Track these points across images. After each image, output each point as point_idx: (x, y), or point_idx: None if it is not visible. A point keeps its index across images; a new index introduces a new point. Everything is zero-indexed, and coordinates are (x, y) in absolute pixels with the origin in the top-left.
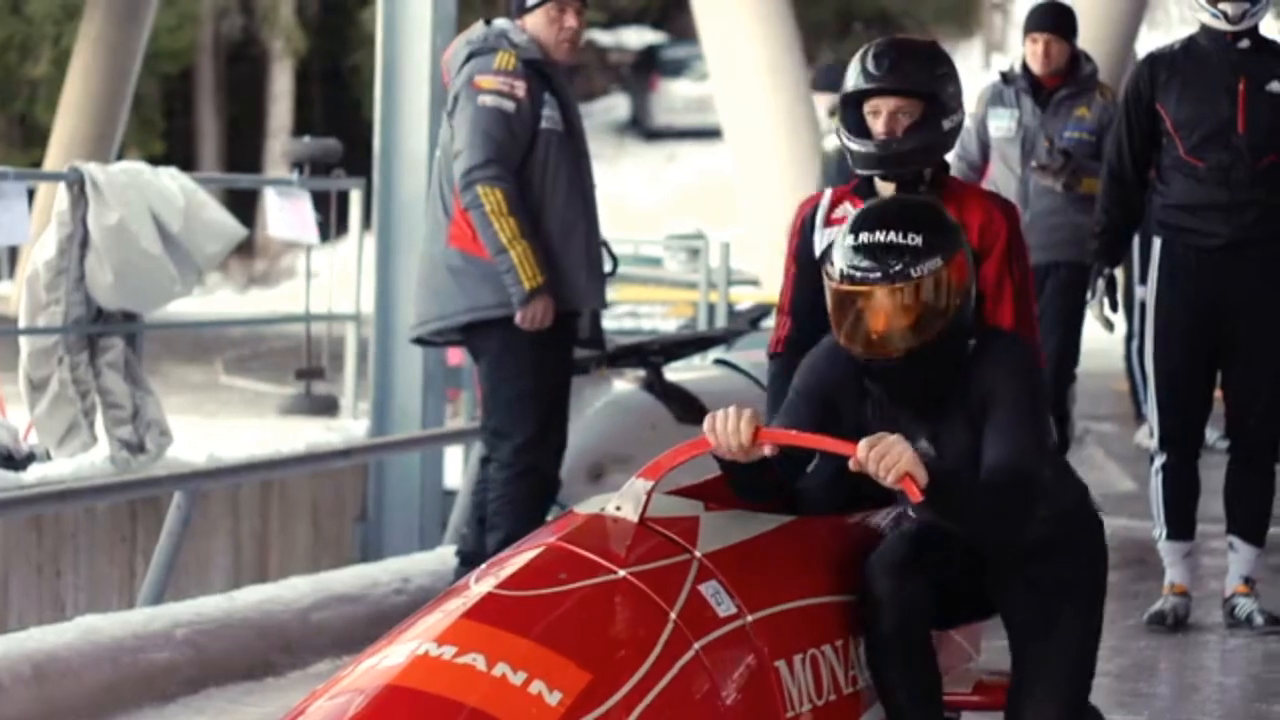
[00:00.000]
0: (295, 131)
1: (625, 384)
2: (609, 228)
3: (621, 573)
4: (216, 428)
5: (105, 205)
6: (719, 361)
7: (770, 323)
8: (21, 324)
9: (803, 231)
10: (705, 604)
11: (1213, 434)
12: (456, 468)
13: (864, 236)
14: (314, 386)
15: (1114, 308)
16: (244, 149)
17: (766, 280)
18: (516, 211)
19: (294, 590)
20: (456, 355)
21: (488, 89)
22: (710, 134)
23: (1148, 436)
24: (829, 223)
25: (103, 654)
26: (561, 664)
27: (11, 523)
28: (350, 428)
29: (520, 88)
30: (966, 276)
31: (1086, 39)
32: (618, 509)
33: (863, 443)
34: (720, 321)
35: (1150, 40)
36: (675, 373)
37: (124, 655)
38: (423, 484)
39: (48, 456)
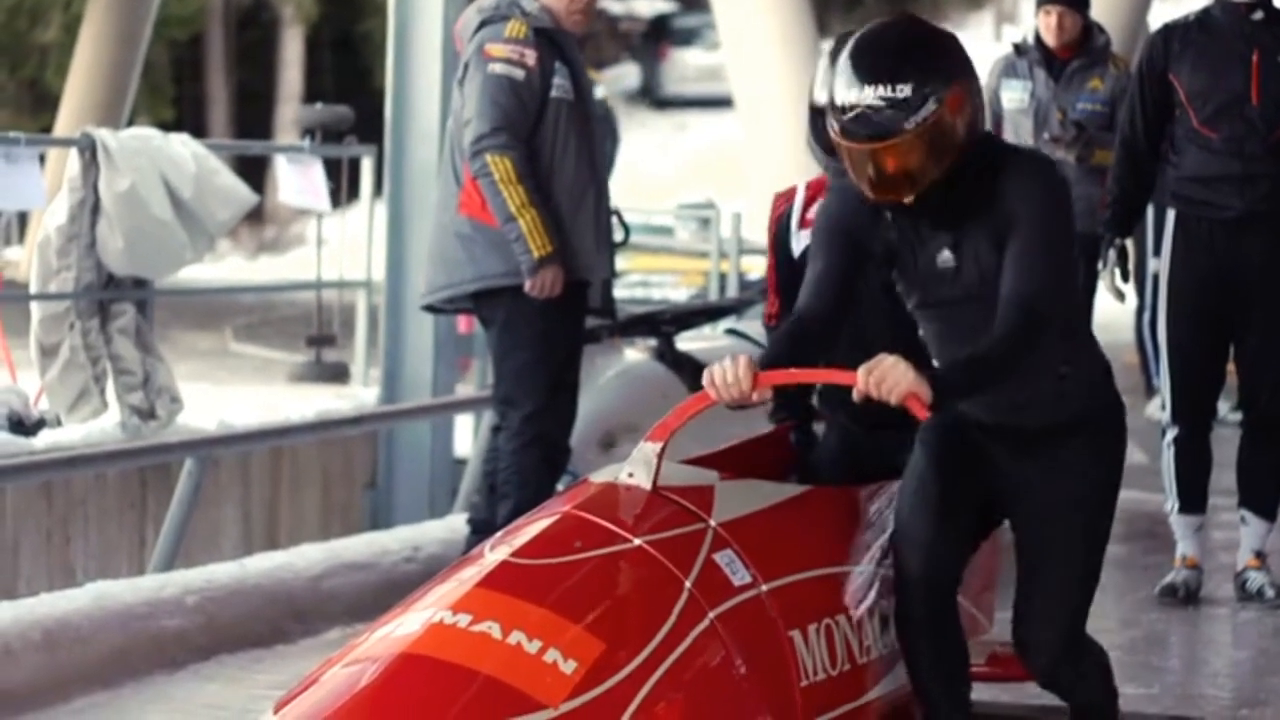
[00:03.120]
0: (306, 98)
1: (636, 353)
2: (620, 197)
3: (636, 541)
4: (226, 394)
5: (116, 171)
6: (730, 331)
7: None
8: (33, 289)
9: (779, 228)
10: (720, 573)
11: (1225, 407)
12: (467, 436)
13: (852, 95)
14: (324, 354)
15: (1125, 278)
16: (254, 116)
17: None
18: (525, 179)
19: (305, 558)
20: (468, 323)
21: (498, 57)
22: (721, 103)
23: (1159, 409)
24: (803, 224)
25: (113, 620)
26: (576, 633)
27: (22, 489)
28: (361, 395)
29: (530, 56)
30: (967, 104)
31: (1099, 10)
32: (630, 476)
33: (861, 370)
34: (731, 291)
35: (1162, 12)
36: (686, 342)
37: (135, 622)
38: (433, 452)
39: (58, 422)
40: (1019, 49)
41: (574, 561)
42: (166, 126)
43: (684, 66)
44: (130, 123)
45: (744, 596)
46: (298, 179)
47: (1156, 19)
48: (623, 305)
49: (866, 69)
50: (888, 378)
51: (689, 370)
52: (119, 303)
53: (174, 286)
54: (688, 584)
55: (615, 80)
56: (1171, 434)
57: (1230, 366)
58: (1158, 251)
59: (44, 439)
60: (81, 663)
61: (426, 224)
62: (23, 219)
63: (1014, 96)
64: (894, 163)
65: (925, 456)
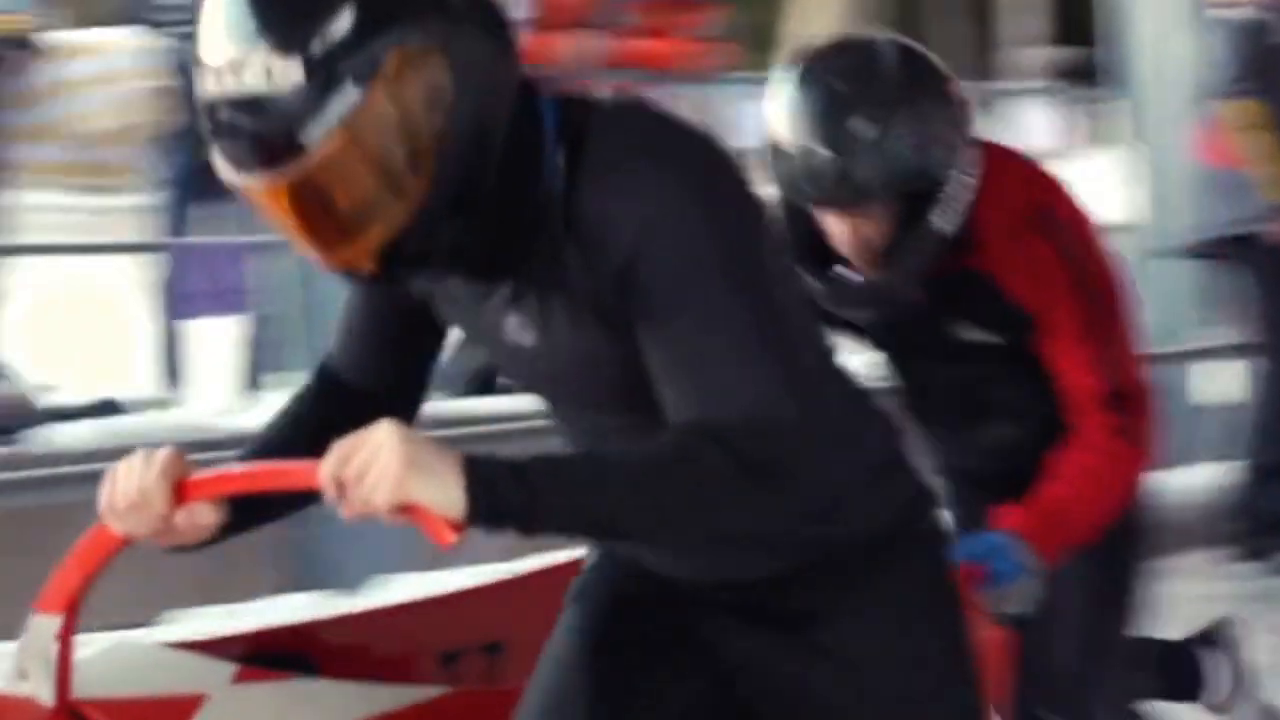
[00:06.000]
0: (1051, 42)
1: None
2: None
3: None
4: None
5: None
6: None
7: None
8: None
9: None
10: None
11: None
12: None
13: (213, 82)
14: None
15: None
16: (992, 57)
17: None
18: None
19: None
20: None
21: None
22: None
23: None
24: None
25: None
26: None
27: None
28: None
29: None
30: (438, 64)
31: None
32: (23, 677)
33: (330, 455)
34: None
35: None
36: None
37: None
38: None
39: None
40: None
41: None
42: None
43: None
44: None
45: None
46: (1044, 121)
47: None
48: None
49: (227, 23)
50: (364, 479)
51: None
52: None
53: None
54: None
55: None
56: None
57: None
58: None
59: None
60: None
61: (1176, 170)
62: None
63: None
64: (307, 212)
65: (565, 650)
